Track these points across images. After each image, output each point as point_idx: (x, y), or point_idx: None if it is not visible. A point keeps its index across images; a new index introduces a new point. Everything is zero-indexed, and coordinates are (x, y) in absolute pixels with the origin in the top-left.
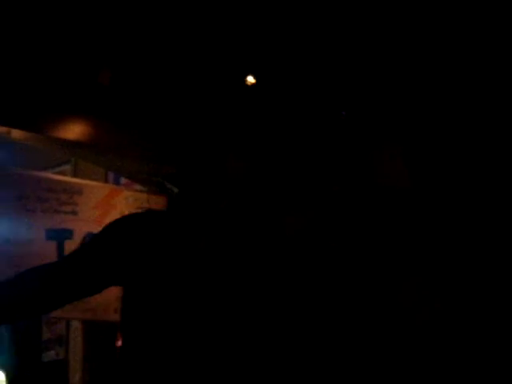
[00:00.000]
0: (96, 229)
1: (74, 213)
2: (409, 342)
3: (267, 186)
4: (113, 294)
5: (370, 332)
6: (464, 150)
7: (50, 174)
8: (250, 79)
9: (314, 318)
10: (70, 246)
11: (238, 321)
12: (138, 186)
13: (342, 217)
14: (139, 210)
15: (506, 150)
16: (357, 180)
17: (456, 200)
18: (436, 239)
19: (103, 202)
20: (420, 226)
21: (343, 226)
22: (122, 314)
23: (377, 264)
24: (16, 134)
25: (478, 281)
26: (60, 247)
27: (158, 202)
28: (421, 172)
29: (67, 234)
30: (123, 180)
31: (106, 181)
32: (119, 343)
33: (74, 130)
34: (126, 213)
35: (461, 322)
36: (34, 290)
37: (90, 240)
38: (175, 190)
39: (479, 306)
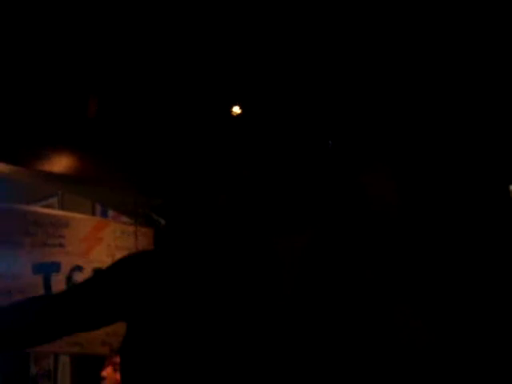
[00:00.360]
0: (83, 261)
1: (61, 246)
2: (398, 364)
3: (258, 213)
4: None
5: (358, 351)
6: (454, 169)
7: (36, 208)
8: (236, 110)
9: (305, 339)
10: (57, 279)
11: (234, 352)
12: (125, 218)
13: (335, 240)
14: (127, 242)
15: (494, 169)
16: (348, 203)
17: (446, 221)
18: (425, 263)
19: (90, 235)
20: (410, 250)
21: (336, 250)
22: (124, 347)
23: (367, 288)
24: (1, 167)
25: (466, 306)
26: (47, 280)
27: (144, 234)
28: (412, 192)
29: (54, 267)
30: (111, 212)
31: (93, 213)
32: (104, 373)
33: (59, 163)
34: (113, 245)
35: (448, 347)
36: (35, 319)
37: (96, 275)
38: (162, 221)
39: (467, 331)
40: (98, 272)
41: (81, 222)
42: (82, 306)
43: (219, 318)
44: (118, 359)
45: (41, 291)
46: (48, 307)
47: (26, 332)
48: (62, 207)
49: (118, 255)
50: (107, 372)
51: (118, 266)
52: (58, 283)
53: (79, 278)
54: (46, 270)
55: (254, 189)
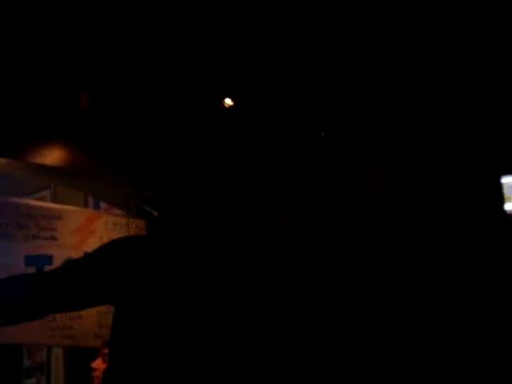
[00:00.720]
0: (76, 254)
1: (54, 238)
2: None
3: (248, 194)
4: (92, 320)
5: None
6: (446, 164)
7: (28, 200)
8: (228, 101)
9: (298, 328)
10: None
11: (225, 338)
12: (117, 211)
13: (326, 225)
14: (119, 234)
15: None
16: (341, 191)
17: (436, 216)
18: (413, 256)
19: (82, 227)
20: (397, 241)
21: (326, 234)
22: (111, 332)
23: (355, 275)
24: None
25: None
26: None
27: (137, 226)
28: (403, 187)
29: (47, 259)
30: (103, 204)
31: (85, 206)
32: (94, 364)
33: (52, 156)
34: (106, 237)
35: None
36: (25, 296)
37: (84, 257)
38: (154, 213)
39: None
40: (87, 254)
41: (73, 215)
42: (72, 286)
43: (207, 304)
44: (107, 351)
45: None
46: (40, 285)
47: (19, 308)
48: (54, 200)
49: None
50: (97, 363)
51: (109, 248)
52: None
53: None
54: (39, 262)
55: (241, 173)
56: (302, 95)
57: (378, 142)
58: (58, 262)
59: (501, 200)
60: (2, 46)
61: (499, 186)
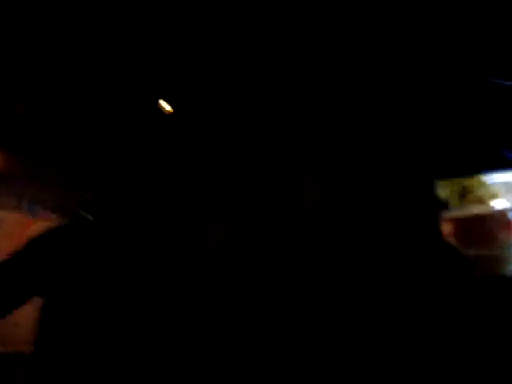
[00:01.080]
0: None
1: None
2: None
3: (189, 203)
4: (25, 326)
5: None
6: (378, 168)
7: None
8: (167, 108)
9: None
10: None
11: (152, 335)
12: (52, 216)
13: (257, 234)
14: None
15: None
16: (273, 199)
17: (371, 220)
18: (349, 263)
19: (16, 233)
20: (334, 248)
21: (256, 244)
22: (39, 326)
23: (282, 286)
24: None
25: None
26: None
27: None
28: (336, 191)
29: None
30: (38, 209)
31: (19, 211)
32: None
33: None
34: None
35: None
36: None
37: (15, 253)
38: (90, 218)
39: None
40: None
41: (6, 220)
42: (8, 279)
43: (139, 307)
44: None
45: None
46: None
47: None
48: None
49: None
50: None
51: (43, 240)
52: None
53: None
54: None
55: (185, 182)
56: (236, 103)
57: (307, 149)
58: None
59: (434, 208)
60: None
61: (433, 193)
